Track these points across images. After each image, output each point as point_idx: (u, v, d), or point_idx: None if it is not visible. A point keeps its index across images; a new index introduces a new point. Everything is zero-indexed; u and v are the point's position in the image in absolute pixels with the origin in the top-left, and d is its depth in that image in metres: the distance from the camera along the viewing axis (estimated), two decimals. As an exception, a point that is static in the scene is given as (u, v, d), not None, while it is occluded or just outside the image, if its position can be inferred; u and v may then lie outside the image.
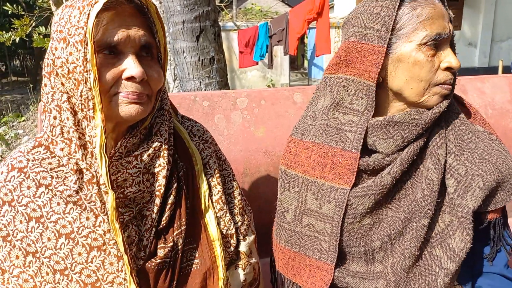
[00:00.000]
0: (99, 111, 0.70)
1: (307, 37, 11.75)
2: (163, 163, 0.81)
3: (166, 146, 0.82)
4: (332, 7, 10.48)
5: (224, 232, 0.91)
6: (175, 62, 2.52)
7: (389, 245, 0.87)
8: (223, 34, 10.68)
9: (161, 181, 0.81)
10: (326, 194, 0.88)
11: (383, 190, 0.85)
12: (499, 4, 8.86)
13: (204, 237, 0.88)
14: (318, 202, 0.89)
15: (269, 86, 11.17)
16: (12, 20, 5.19)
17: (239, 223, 0.96)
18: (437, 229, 0.87)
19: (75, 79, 0.71)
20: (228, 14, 12.68)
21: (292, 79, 12.02)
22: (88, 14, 0.69)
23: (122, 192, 0.79)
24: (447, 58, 0.83)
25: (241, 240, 0.95)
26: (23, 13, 5.48)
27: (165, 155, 0.81)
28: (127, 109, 0.73)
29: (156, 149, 0.80)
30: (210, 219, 0.89)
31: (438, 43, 0.82)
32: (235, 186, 0.99)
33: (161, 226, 0.82)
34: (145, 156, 0.79)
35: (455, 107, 0.94)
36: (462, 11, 9.03)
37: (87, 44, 0.69)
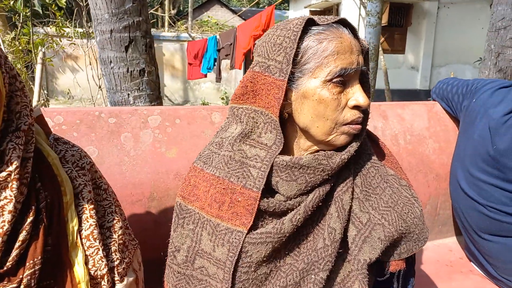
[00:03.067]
0: None
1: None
2: (10, 195, 0.69)
3: (17, 176, 0.70)
4: (286, 24, 10.69)
5: (93, 273, 0.80)
6: (102, 72, 2.37)
7: None
8: (177, 44, 10.55)
9: (6, 217, 0.69)
10: (221, 236, 0.79)
11: (282, 238, 0.77)
12: (438, 33, 9.52)
13: (68, 279, 0.77)
14: (212, 244, 0.80)
15: (222, 98, 11.12)
16: None
17: (117, 262, 0.85)
18: (337, 279, 0.81)
19: None
20: (183, 25, 12.55)
21: (245, 93, 12.05)
22: None
23: None
24: (355, 95, 0.77)
25: (117, 282, 0.84)
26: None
27: (14, 186, 0.69)
28: None
29: (1, 179, 0.68)
30: (77, 257, 0.78)
31: (345, 79, 0.76)
32: (116, 218, 0.88)
33: (4, 267, 0.70)
34: None
35: (368, 147, 0.89)
36: (406, 37, 9.58)
37: None
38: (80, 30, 5.53)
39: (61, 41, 5.50)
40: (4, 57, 0.73)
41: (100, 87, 4.14)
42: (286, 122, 0.82)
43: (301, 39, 0.76)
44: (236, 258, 0.77)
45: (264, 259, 0.78)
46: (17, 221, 0.72)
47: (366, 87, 0.84)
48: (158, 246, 1.11)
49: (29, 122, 0.75)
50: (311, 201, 0.78)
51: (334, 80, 0.75)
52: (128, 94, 2.34)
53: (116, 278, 0.84)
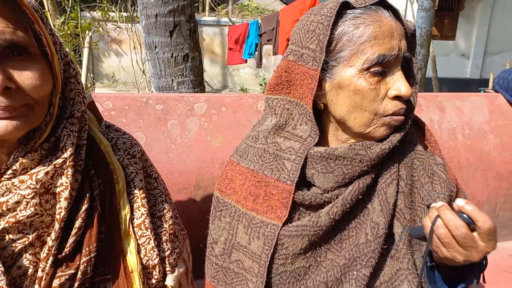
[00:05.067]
0: None
1: (302, 38, 11.61)
2: (66, 182, 0.69)
3: (71, 163, 0.69)
4: (328, 9, 10.32)
5: (145, 263, 0.79)
6: (147, 57, 2.39)
7: None
8: (217, 29, 10.53)
9: (62, 203, 0.69)
10: (256, 229, 0.78)
11: (318, 232, 0.75)
12: (494, 18, 8.86)
13: (121, 267, 0.77)
14: (247, 237, 0.79)
15: (261, 85, 11.05)
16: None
17: (168, 252, 0.84)
18: (383, 277, 0.76)
19: None
20: (223, 9, 12.50)
21: (284, 79, 11.88)
22: None
23: (14, 216, 0.67)
24: (396, 84, 0.70)
25: (168, 273, 0.83)
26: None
27: (69, 173, 0.69)
28: None
29: (57, 166, 0.68)
30: (129, 246, 0.78)
31: (384, 68, 0.70)
32: (167, 208, 0.87)
33: (63, 253, 0.70)
34: (41, 175, 0.67)
35: (413, 136, 0.83)
36: (457, 22, 9.00)
37: None
38: (125, 14, 5.63)
39: (106, 25, 5.63)
40: (59, 43, 0.73)
41: (143, 71, 4.22)
42: (322, 113, 0.78)
43: (335, 24, 0.70)
44: (271, 251, 0.76)
45: (301, 251, 0.76)
46: (72, 208, 0.72)
47: (411, 75, 0.77)
48: (203, 236, 1.10)
49: (82, 109, 0.75)
50: (350, 194, 0.74)
51: (372, 69, 0.69)
52: (172, 80, 2.35)
53: (167, 269, 0.83)
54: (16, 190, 0.66)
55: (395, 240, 0.76)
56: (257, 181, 0.79)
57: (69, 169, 0.69)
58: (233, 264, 0.81)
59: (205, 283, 0.88)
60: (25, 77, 0.62)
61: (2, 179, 0.67)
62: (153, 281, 0.80)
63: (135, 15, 4.81)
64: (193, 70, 2.39)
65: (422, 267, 0.71)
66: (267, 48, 5.82)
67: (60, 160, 0.69)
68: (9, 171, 0.67)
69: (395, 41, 0.69)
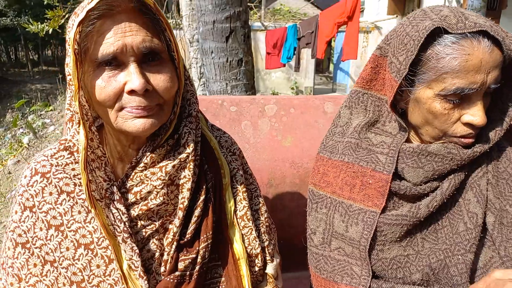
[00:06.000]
0: (82, 126, 0.68)
1: (334, 41, 11.57)
2: (189, 175, 0.77)
3: (193, 158, 0.77)
4: (362, 11, 10.27)
5: (249, 251, 0.86)
6: (202, 62, 2.49)
7: (431, 276, 0.81)
8: (250, 33, 10.65)
9: (185, 194, 0.77)
10: (354, 216, 0.83)
11: (416, 222, 0.80)
12: (540, 16, 8.47)
13: (229, 254, 0.84)
14: (344, 225, 0.84)
15: (292, 89, 11.07)
16: (46, 11, 5.30)
17: (266, 243, 0.90)
18: (480, 263, 0.81)
19: (71, 91, 0.68)
20: (256, 14, 12.64)
21: (316, 82, 11.86)
22: (73, 24, 0.64)
23: (146, 205, 0.75)
24: (471, 111, 0.73)
25: (268, 262, 0.90)
26: (57, 4, 5.58)
27: (191, 166, 0.77)
28: (133, 124, 0.69)
29: (182, 160, 0.76)
30: (235, 235, 0.85)
31: (462, 97, 0.72)
32: (261, 202, 0.94)
33: (185, 239, 0.78)
34: (169, 167, 0.75)
35: None
36: (499, 21, 8.70)
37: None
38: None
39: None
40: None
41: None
42: (406, 113, 0.83)
43: (428, 44, 0.71)
44: (371, 236, 0.81)
45: (397, 239, 0.81)
46: (191, 199, 0.79)
47: (501, 102, 0.79)
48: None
49: (197, 108, 0.82)
50: (448, 189, 0.79)
51: (448, 97, 0.72)
52: (227, 84, 2.44)
53: (267, 258, 0.89)
54: (148, 181, 0.75)
55: (486, 230, 0.80)
56: (353, 172, 0.84)
57: (191, 163, 0.77)
58: (333, 252, 0.85)
59: (310, 275, 0.93)
60: (159, 80, 0.70)
61: (136, 171, 0.75)
62: (256, 268, 0.87)
63: (179, 22, 4.98)
64: (246, 74, 2.47)
65: None
66: (302, 52, 5.85)
67: (184, 155, 0.76)
68: (141, 164, 0.75)
69: (481, 75, 0.69)
